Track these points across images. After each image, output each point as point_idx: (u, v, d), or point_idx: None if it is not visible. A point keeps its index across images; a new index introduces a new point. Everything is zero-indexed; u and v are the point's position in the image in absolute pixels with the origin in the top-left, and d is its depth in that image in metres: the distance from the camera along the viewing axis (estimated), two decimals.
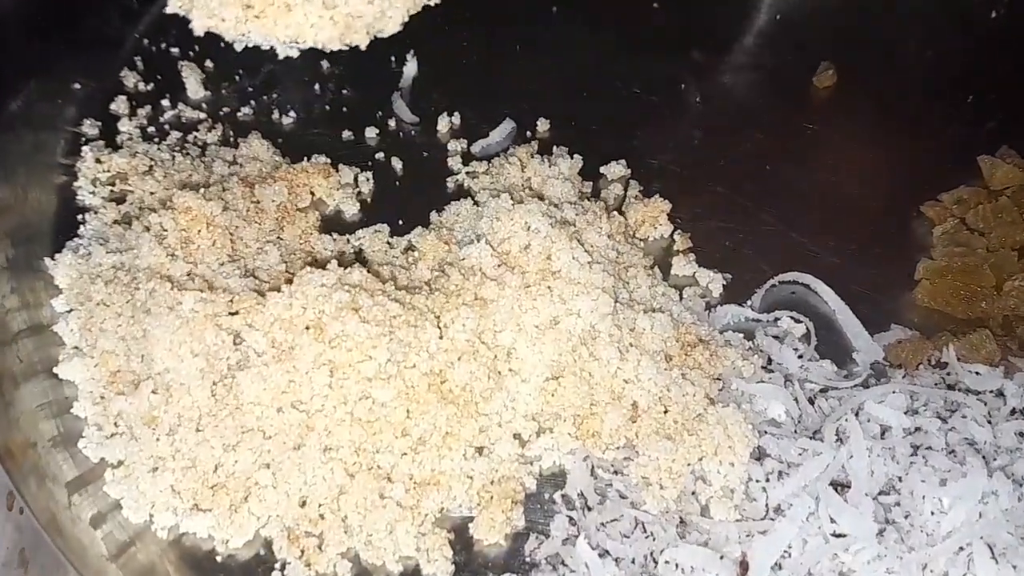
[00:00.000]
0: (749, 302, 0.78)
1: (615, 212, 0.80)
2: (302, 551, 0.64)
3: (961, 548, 0.61)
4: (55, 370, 0.70)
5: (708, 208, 0.83)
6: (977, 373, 0.71)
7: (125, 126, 0.86)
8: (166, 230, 0.72)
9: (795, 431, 0.69)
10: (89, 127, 0.85)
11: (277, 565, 0.64)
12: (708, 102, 0.91)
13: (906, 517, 0.64)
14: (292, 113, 0.88)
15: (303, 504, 0.65)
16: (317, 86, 0.90)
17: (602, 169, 0.85)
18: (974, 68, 0.93)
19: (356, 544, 0.65)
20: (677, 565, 0.62)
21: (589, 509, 0.66)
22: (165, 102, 0.88)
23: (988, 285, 0.77)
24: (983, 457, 0.65)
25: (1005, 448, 0.67)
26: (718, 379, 0.71)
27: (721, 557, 0.62)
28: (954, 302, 0.77)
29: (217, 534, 0.65)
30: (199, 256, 0.72)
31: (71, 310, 0.73)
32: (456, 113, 0.88)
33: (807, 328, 0.76)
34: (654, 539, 0.64)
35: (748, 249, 0.81)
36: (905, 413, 0.69)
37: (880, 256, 0.81)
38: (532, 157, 0.83)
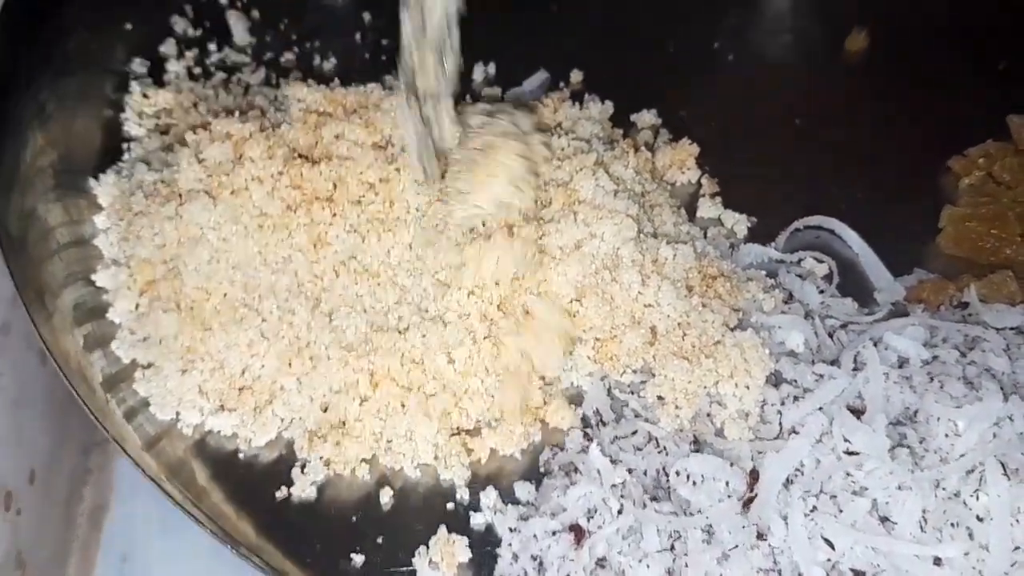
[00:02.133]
0: (773, 243, 0.78)
1: (643, 148, 0.82)
2: (322, 454, 0.66)
3: (974, 468, 0.61)
4: (93, 277, 0.72)
5: (736, 157, 0.84)
6: (998, 311, 0.71)
7: (173, 66, 0.89)
8: (203, 150, 0.75)
9: (812, 360, 0.70)
10: (138, 65, 0.88)
11: (298, 464, 0.66)
12: (741, 62, 0.92)
13: (921, 442, 0.64)
14: (333, 59, 0.91)
15: (325, 409, 0.67)
16: (358, 35, 0.93)
17: (632, 117, 0.86)
18: (1005, 34, 0.93)
19: (376, 449, 0.66)
20: (688, 476, 0.63)
21: (604, 424, 0.67)
22: (212, 46, 0.91)
23: (1013, 233, 0.77)
24: (1000, 384, 0.66)
25: None
26: (738, 310, 0.72)
27: (731, 464, 0.62)
28: (978, 248, 0.77)
29: (241, 433, 0.67)
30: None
31: (111, 227, 0.76)
32: (492, 63, 0.90)
33: (830, 268, 0.77)
34: (667, 454, 0.65)
35: (775, 196, 0.82)
36: (924, 345, 0.69)
37: (906, 207, 0.81)
38: (563, 102, 0.85)
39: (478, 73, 0.90)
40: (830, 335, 0.72)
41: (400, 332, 0.67)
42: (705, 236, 0.78)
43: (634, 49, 0.92)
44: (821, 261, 0.77)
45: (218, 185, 0.72)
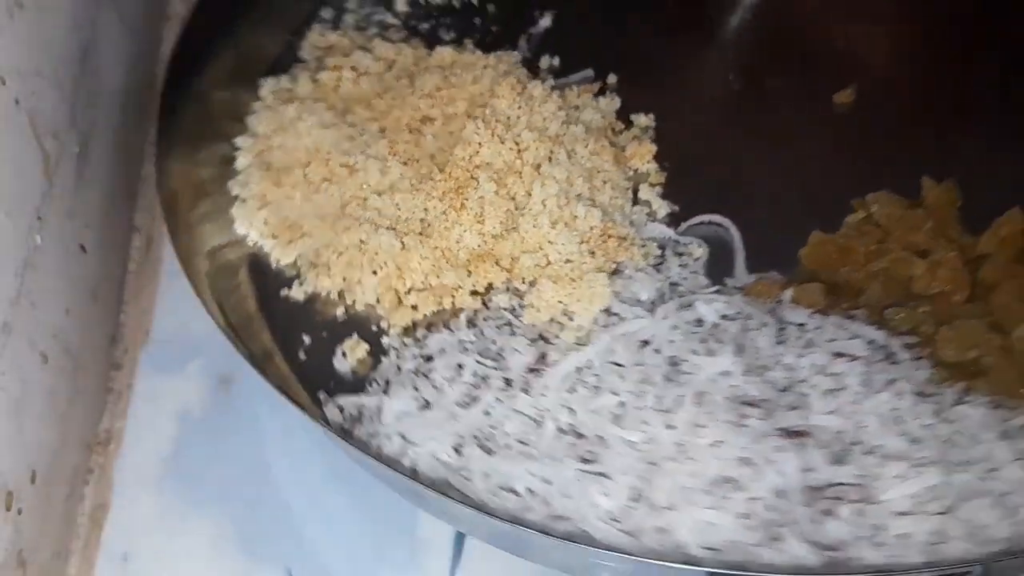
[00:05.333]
0: (678, 228, 1.05)
1: (610, 132, 1.10)
2: (312, 277, 1.03)
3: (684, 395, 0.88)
4: (234, 141, 1.13)
5: (692, 164, 1.10)
6: (793, 309, 0.95)
7: (348, 17, 1.28)
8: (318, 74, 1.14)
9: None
10: (325, 12, 1.28)
11: (299, 279, 1.04)
12: (746, 94, 1.17)
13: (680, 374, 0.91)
14: (452, 32, 1.26)
15: (315, 256, 1.04)
16: (477, 20, 1.27)
17: (632, 116, 1.15)
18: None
19: (342, 287, 1.01)
20: (514, 349, 0.94)
21: (488, 309, 0.99)
22: (380, 7, 1.29)
23: (856, 263, 0.98)
24: (744, 350, 0.90)
25: (783, 364, 0.91)
26: (617, 263, 1.01)
27: (528, 344, 0.93)
28: (827, 266, 0.99)
29: (274, 253, 1.05)
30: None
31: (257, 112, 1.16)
32: (557, 56, 1.22)
33: (703, 253, 1.02)
34: (512, 334, 0.96)
35: (705, 197, 1.07)
36: (723, 317, 0.95)
37: (799, 228, 1.03)
38: (586, 93, 1.16)
39: (544, 62, 1.21)
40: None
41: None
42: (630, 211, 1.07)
43: (670, 69, 1.20)
44: (701, 246, 1.03)
45: (317, 99, 1.12)
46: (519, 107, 1.09)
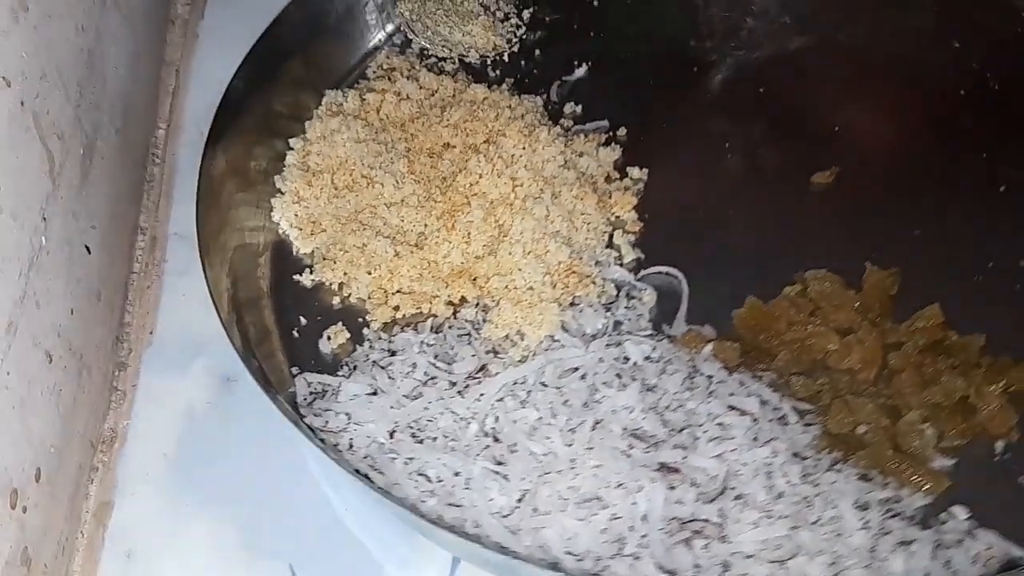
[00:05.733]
0: (638, 274, 1.19)
1: (601, 183, 1.25)
2: (322, 267, 1.22)
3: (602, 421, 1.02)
4: (290, 141, 1.33)
5: (667, 219, 1.23)
6: (707, 360, 1.07)
7: (415, 44, 1.46)
8: (366, 93, 1.33)
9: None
10: (397, 37, 1.46)
11: (308, 267, 1.22)
12: (735, 161, 1.29)
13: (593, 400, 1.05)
14: (498, 71, 1.42)
15: (326, 253, 1.22)
16: (523, 61, 1.43)
17: (628, 168, 1.29)
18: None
19: (342, 279, 1.20)
20: (463, 357, 1.10)
21: (455, 318, 1.16)
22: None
23: (778, 332, 1.10)
24: (653, 392, 1.04)
25: (685, 408, 1.04)
26: (574, 297, 1.16)
27: (473, 355, 1.09)
28: (752, 329, 1.11)
29: (296, 243, 1.24)
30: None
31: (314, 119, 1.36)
32: (580, 105, 1.36)
33: (652, 299, 1.16)
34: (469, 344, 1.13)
35: (669, 250, 1.20)
36: (646, 359, 1.08)
37: (743, 291, 1.15)
38: (592, 142, 1.30)
39: (568, 108, 1.36)
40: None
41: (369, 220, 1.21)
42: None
43: (675, 130, 1.33)
44: (652, 294, 1.16)
45: (358, 115, 1.30)
46: (523, 147, 1.25)
